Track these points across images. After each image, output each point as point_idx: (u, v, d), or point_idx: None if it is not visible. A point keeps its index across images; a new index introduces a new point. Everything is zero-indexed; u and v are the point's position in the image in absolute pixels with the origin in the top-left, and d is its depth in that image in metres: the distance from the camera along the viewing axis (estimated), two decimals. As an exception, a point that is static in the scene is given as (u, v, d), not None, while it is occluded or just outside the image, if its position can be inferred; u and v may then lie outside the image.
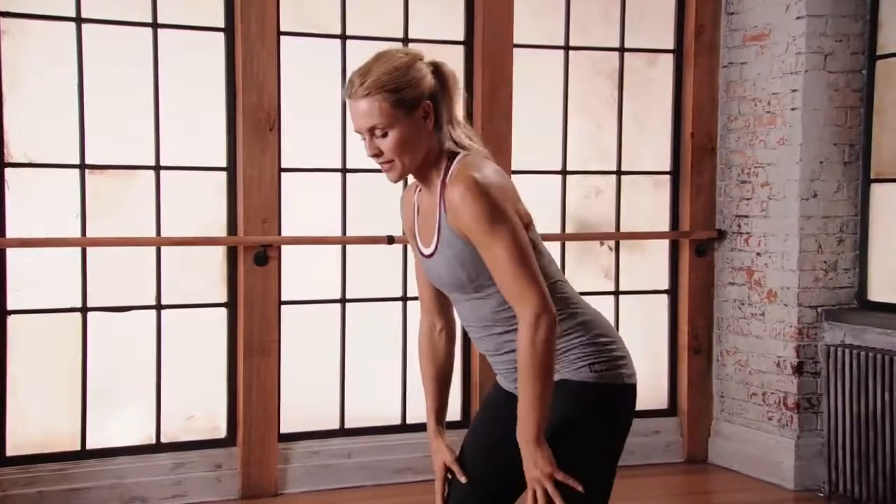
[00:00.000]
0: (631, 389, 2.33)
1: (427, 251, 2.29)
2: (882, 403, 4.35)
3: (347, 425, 4.85)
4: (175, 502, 4.48)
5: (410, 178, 2.36)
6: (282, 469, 4.66)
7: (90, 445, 4.43)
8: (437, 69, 2.25)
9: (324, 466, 4.74)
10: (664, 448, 5.28)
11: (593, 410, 2.24)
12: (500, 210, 2.13)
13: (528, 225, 2.26)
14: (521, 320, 2.11)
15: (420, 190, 2.34)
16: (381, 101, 2.17)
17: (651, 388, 5.37)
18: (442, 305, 2.47)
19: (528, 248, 2.14)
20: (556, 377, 2.19)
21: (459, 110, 2.30)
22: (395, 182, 2.29)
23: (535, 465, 2.12)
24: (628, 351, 2.35)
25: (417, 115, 2.20)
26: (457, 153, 2.25)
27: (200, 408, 4.67)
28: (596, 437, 2.24)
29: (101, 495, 4.37)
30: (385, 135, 2.20)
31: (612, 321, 5.25)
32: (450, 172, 2.21)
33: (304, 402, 4.82)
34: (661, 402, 5.38)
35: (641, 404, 5.47)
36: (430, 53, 2.33)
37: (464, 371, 4.96)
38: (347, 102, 2.23)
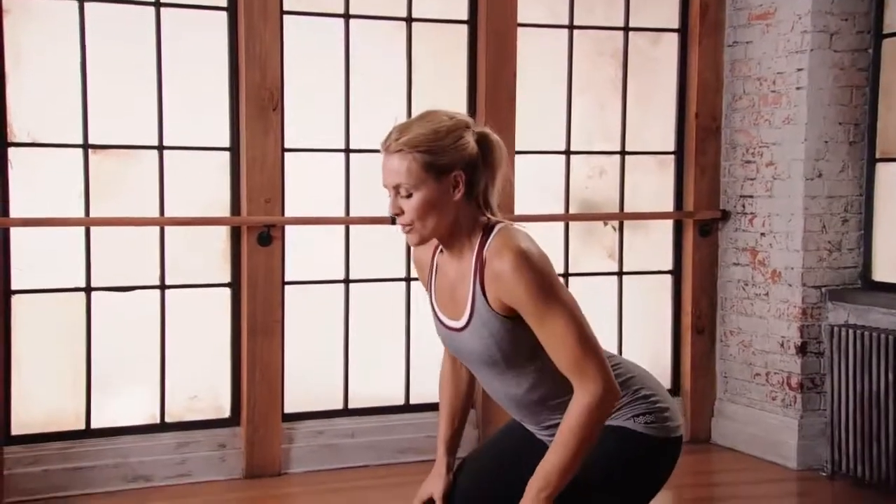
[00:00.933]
0: (678, 442, 2.31)
1: (456, 325, 2.21)
2: (886, 383, 4.35)
3: (351, 405, 4.85)
4: (179, 481, 4.49)
5: None
6: (285, 449, 4.67)
7: (94, 425, 4.44)
8: (483, 139, 2.18)
9: (328, 446, 4.75)
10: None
11: (639, 458, 2.21)
12: (555, 283, 2.09)
13: None
14: (584, 393, 2.05)
15: (442, 251, 2.25)
16: (411, 161, 2.11)
17: (654, 369, 5.33)
18: None
19: (587, 323, 2.10)
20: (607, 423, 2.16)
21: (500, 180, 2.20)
22: (415, 246, 2.23)
23: None
24: (673, 402, 2.35)
25: (447, 182, 2.13)
26: (493, 225, 2.17)
27: (204, 388, 4.68)
28: (635, 484, 2.23)
29: (106, 474, 4.38)
30: (409, 195, 2.14)
31: (615, 302, 5.29)
32: (487, 244, 2.12)
33: (307, 383, 4.83)
34: (665, 382, 5.34)
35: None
36: (475, 120, 2.23)
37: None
38: (382, 155, 2.17)
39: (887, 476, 4.34)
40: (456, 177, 2.13)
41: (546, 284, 2.06)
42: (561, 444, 2.06)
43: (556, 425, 2.15)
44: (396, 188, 2.15)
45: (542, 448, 2.18)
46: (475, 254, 2.15)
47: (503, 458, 2.40)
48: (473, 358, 2.24)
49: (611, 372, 2.08)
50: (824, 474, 4.68)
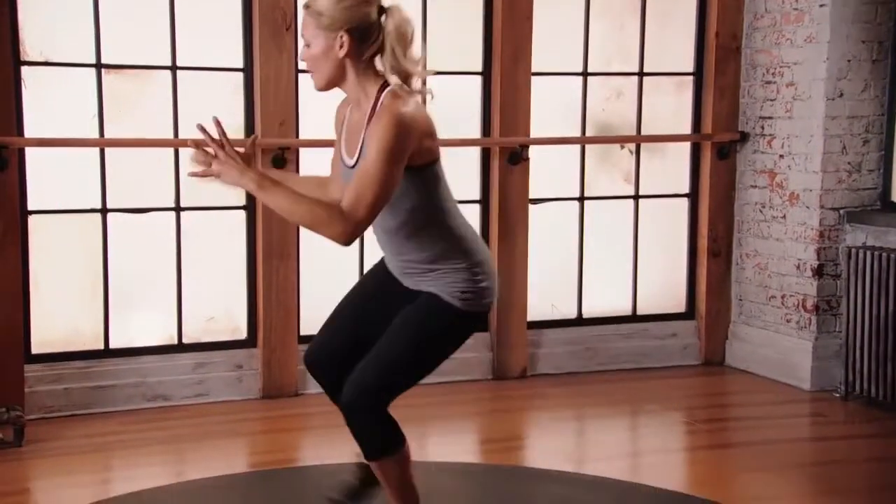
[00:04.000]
0: (485, 313, 2.76)
1: (349, 162, 2.66)
2: (902, 304, 4.36)
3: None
4: (197, 401, 4.56)
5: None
6: (301, 370, 4.70)
7: (113, 345, 4.50)
8: (384, 12, 2.60)
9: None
10: (682, 351, 5.31)
11: (449, 326, 2.70)
12: (397, 156, 2.49)
13: (436, 160, 2.62)
14: (342, 211, 2.48)
15: (350, 107, 2.70)
16: (310, 18, 2.59)
17: (669, 292, 5.38)
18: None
19: (386, 196, 2.50)
20: (432, 290, 2.68)
21: (406, 51, 2.60)
22: (318, 90, 2.67)
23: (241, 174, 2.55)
24: (495, 275, 2.77)
25: (333, 40, 2.57)
26: (385, 85, 2.59)
27: (221, 309, 4.72)
28: (442, 338, 2.72)
29: (126, 393, 4.45)
30: (308, 46, 2.62)
31: (631, 226, 5.27)
32: (379, 102, 2.55)
33: (323, 305, 4.82)
34: (680, 305, 5.39)
35: (660, 308, 5.52)
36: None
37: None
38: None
39: (901, 396, 4.37)
40: (341, 37, 2.56)
41: (390, 150, 2.48)
42: (294, 199, 2.53)
43: (411, 260, 2.69)
44: (304, 38, 2.63)
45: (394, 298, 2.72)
46: (370, 107, 2.58)
47: (356, 317, 2.85)
48: None
49: (361, 230, 2.51)
50: (838, 395, 4.70)
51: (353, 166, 2.62)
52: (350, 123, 2.68)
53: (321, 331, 2.94)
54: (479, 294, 2.69)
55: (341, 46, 2.56)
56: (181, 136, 4.49)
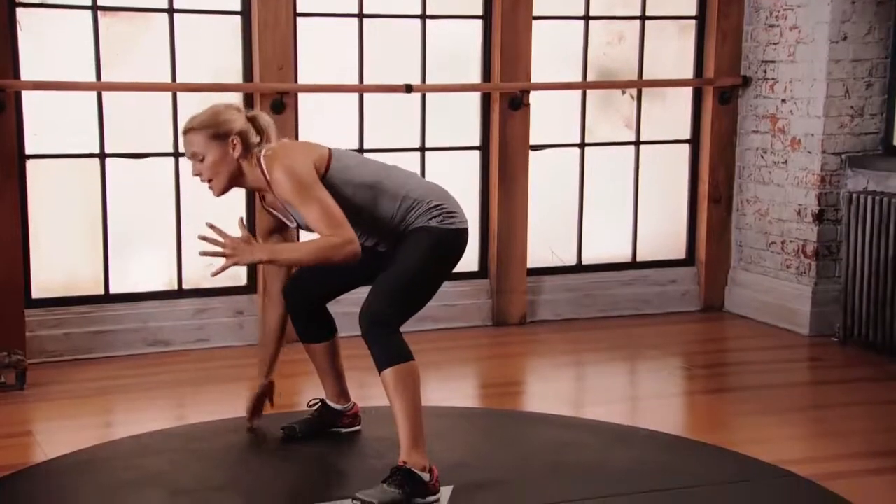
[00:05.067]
0: (464, 232, 3.10)
1: (293, 225, 3.18)
2: (902, 249, 4.35)
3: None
4: (198, 346, 4.57)
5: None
6: (302, 316, 4.72)
7: (113, 290, 4.50)
8: (252, 119, 3.09)
9: (345, 314, 4.78)
10: (681, 297, 5.32)
11: (436, 243, 3.03)
12: (306, 183, 2.93)
13: (324, 173, 3.01)
14: (331, 237, 2.88)
15: (258, 196, 3.22)
16: (200, 134, 3.02)
17: (669, 238, 5.38)
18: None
19: (334, 209, 2.91)
20: (420, 227, 3.05)
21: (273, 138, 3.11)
22: (218, 196, 3.10)
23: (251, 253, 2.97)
24: (459, 207, 3.14)
25: (227, 145, 3.01)
26: (260, 157, 3.03)
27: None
28: (435, 262, 3.04)
29: (126, 338, 4.47)
30: (202, 159, 3.03)
31: (632, 172, 5.24)
32: (265, 171, 2.99)
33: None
34: (680, 252, 5.38)
35: (660, 254, 5.51)
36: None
37: (482, 221, 4.97)
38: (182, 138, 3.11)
39: (899, 340, 4.39)
40: (233, 140, 3.02)
41: (301, 185, 2.92)
42: (298, 248, 3.08)
43: (387, 239, 3.07)
44: (194, 156, 3.04)
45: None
46: (265, 181, 3.01)
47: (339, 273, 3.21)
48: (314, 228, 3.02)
49: (355, 237, 2.90)
50: (836, 340, 4.71)
51: (297, 224, 3.16)
52: (272, 203, 3.16)
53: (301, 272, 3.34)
54: (449, 215, 3.07)
55: (234, 148, 3.01)
56: (179, 80, 4.46)
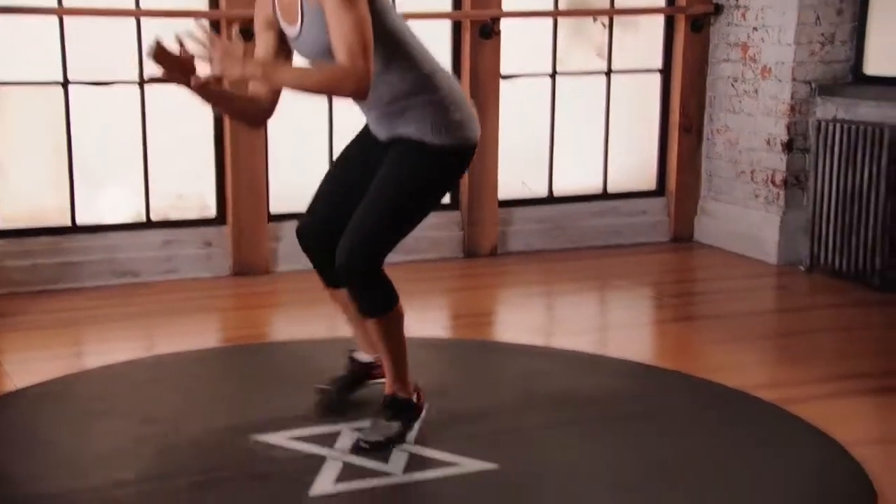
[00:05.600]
0: (472, 149, 2.78)
1: (293, 32, 2.64)
2: (869, 176, 4.37)
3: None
4: (166, 277, 4.55)
5: None
6: (272, 247, 4.71)
7: (80, 221, 4.46)
8: None
9: (314, 244, 4.79)
10: (651, 227, 5.34)
11: (427, 169, 2.72)
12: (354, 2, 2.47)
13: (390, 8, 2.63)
14: (345, 66, 2.47)
15: None
16: None
17: (640, 169, 5.38)
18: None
19: (369, 36, 2.49)
20: (406, 133, 2.70)
21: None
22: None
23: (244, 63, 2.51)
24: (473, 113, 2.78)
25: None
26: None
27: (189, 186, 4.67)
28: (436, 177, 2.75)
29: (94, 269, 4.43)
30: None
31: (603, 101, 5.22)
32: None
33: (293, 182, 4.80)
34: (650, 182, 5.39)
35: (630, 185, 5.51)
36: None
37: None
38: None
39: (864, 267, 4.43)
40: None
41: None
42: (302, 73, 2.60)
43: (386, 102, 2.68)
44: None
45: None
46: None
47: (342, 186, 2.87)
48: (315, 55, 2.65)
49: (370, 75, 2.49)
50: (803, 268, 4.76)
51: (299, 34, 2.63)
52: (286, 6, 2.65)
53: (309, 205, 2.95)
54: (452, 126, 2.70)
55: None
56: (143, 6, 4.36)
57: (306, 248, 2.92)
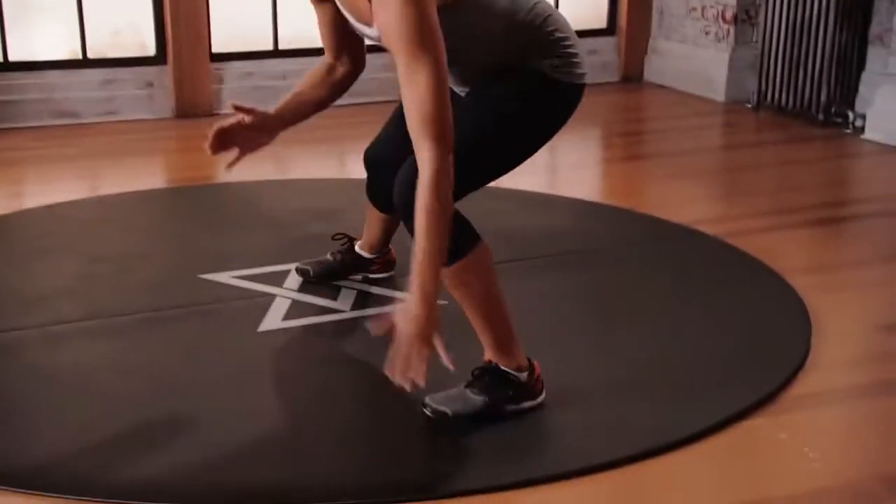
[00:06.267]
0: (580, 89, 2.23)
1: (372, 32, 2.04)
2: (818, 10, 4.35)
3: (281, 47, 4.73)
4: (108, 119, 4.44)
5: None
6: (216, 89, 4.60)
7: (13, 58, 4.30)
8: None
9: (258, 88, 4.68)
10: (601, 67, 5.29)
11: (541, 98, 2.15)
12: (429, 28, 1.84)
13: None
14: (428, 159, 1.83)
15: None
16: None
17: (590, 7, 5.28)
18: (349, 48, 2.34)
19: (446, 84, 1.86)
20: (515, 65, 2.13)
21: None
22: None
23: (416, 321, 1.81)
24: (582, 50, 2.25)
25: None
26: None
27: (126, 23, 4.51)
28: (532, 121, 2.17)
29: (32, 109, 4.31)
30: None
31: (553, -65, 5.06)
32: None
33: (235, 24, 4.67)
34: (601, 21, 5.31)
35: (580, 24, 5.44)
36: None
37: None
38: None
39: (809, 103, 4.46)
40: None
41: (419, 29, 1.83)
42: (431, 228, 1.84)
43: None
44: None
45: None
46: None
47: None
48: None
49: (450, 132, 1.86)
50: (750, 105, 4.78)
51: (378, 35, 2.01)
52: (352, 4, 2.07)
53: (383, 128, 2.52)
54: (571, 60, 2.17)
55: None
56: None
57: (371, 173, 2.55)
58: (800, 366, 2.36)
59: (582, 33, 5.38)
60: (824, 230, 3.32)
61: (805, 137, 4.35)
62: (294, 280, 2.81)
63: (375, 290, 2.78)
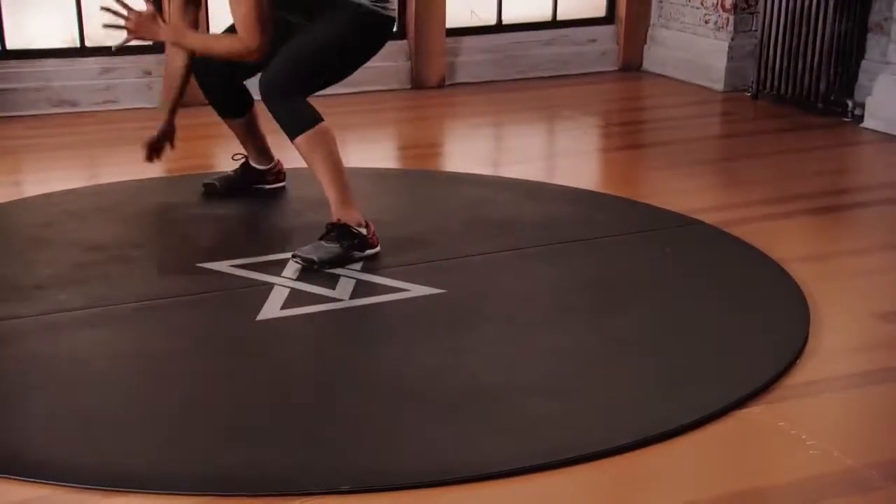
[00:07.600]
0: (392, 22, 2.93)
1: None
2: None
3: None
4: (106, 108, 4.44)
5: None
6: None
7: (11, 45, 4.29)
8: None
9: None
10: (600, 56, 5.28)
11: (364, 24, 2.87)
12: None
13: None
14: (240, 38, 2.74)
15: None
16: None
17: (590, -3, 5.28)
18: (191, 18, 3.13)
19: (264, 9, 2.71)
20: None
21: None
22: None
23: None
24: None
25: None
26: None
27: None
28: (356, 42, 2.90)
29: (30, 97, 4.31)
30: None
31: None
32: None
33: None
34: (599, 9, 5.30)
35: (580, 12, 5.43)
36: None
37: None
38: None
39: (808, 91, 4.46)
40: None
41: None
42: (207, 41, 3.04)
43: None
44: None
45: None
46: None
47: None
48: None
49: (267, 46, 2.74)
50: (749, 94, 4.77)
51: None
52: None
53: None
54: (384, 5, 2.88)
55: None
56: None
57: (201, 83, 3.22)
58: (798, 354, 2.37)
59: (581, 22, 5.44)
60: (823, 219, 3.32)
61: (804, 126, 4.35)
62: (292, 269, 2.81)
63: (375, 279, 2.78)
